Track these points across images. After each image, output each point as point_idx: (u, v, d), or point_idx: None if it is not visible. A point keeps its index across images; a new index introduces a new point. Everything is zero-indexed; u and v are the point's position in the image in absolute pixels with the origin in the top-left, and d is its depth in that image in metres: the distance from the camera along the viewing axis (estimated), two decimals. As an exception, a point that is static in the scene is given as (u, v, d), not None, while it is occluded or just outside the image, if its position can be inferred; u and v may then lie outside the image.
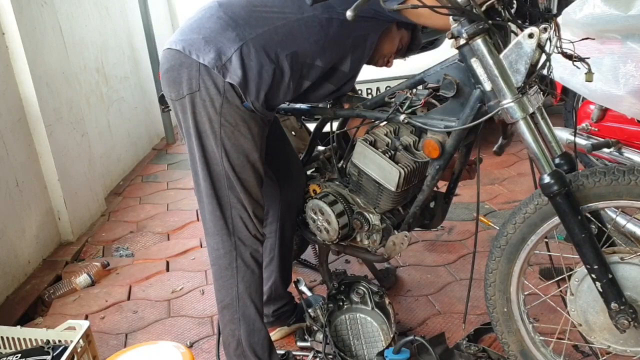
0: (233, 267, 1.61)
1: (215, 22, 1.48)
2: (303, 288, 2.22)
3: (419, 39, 1.73)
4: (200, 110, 1.49)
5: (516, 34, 1.29)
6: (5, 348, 1.73)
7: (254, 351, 1.67)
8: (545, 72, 1.35)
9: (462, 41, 1.30)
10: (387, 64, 1.73)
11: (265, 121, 1.59)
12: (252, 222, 1.60)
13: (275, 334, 1.99)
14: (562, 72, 2.13)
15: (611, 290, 1.29)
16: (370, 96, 3.14)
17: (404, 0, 1.40)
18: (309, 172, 2.04)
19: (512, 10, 1.37)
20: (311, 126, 2.02)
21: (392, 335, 1.75)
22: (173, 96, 1.52)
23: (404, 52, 1.74)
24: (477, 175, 1.65)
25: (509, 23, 1.35)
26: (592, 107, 2.55)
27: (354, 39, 1.58)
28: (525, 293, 1.52)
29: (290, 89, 1.55)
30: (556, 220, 1.35)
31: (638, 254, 1.30)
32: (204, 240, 2.20)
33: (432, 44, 3.30)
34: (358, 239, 1.82)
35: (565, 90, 2.76)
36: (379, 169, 1.59)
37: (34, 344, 1.68)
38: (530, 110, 1.31)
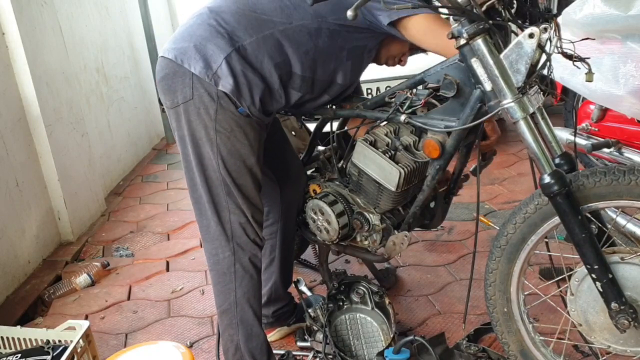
0: (231, 272, 1.61)
1: (205, 30, 1.48)
2: (303, 288, 2.22)
3: None
4: (194, 118, 1.49)
5: (516, 34, 1.29)
6: (5, 348, 1.73)
7: (253, 356, 1.67)
8: (545, 72, 1.35)
9: (462, 41, 1.30)
10: (400, 62, 1.70)
11: (262, 125, 1.58)
12: (252, 227, 1.60)
13: (275, 334, 1.99)
14: (562, 72, 2.13)
15: (611, 290, 1.29)
16: (370, 96, 3.13)
17: (400, 18, 1.41)
18: (309, 172, 2.04)
19: (513, 10, 1.37)
20: (311, 126, 2.02)
21: (392, 335, 1.75)
22: (168, 104, 1.54)
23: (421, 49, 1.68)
24: (477, 175, 1.65)
25: (509, 23, 1.35)
26: (592, 107, 2.55)
27: (349, 51, 1.56)
28: (525, 293, 1.52)
29: (282, 98, 1.55)
30: (556, 220, 1.35)
31: (638, 254, 1.30)
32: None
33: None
34: (358, 239, 1.82)
35: (565, 90, 2.77)
36: (379, 169, 1.59)
37: (34, 344, 1.68)
38: (531, 110, 1.30)
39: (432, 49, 1.48)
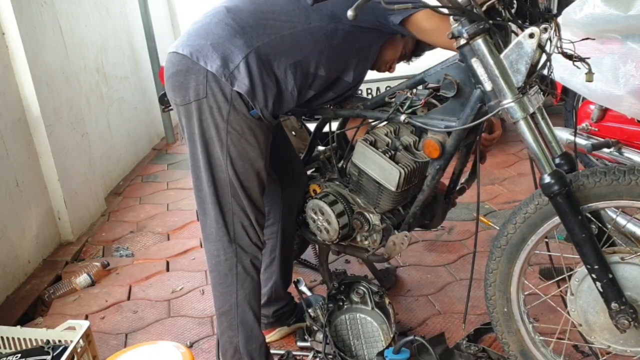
0: (233, 274, 1.61)
1: (223, 29, 1.47)
2: (303, 288, 2.22)
3: (423, 45, 1.73)
4: (206, 117, 1.49)
5: (516, 34, 1.29)
6: (5, 348, 1.73)
7: (252, 358, 1.67)
8: (545, 72, 1.35)
9: (462, 41, 1.31)
10: (390, 69, 1.75)
11: (270, 128, 1.59)
12: (254, 230, 1.60)
13: (275, 334, 1.99)
14: (563, 72, 2.13)
15: (611, 290, 1.29)
16: (370, 96, 3.14)
17: (410, 15, 1.42)
18: (309, 172, 2.04)
19: (513, 10, 1.37)
20: (311, 126, 2.02)
21: (392, 335, 1.75)
22: (178, 101, 1.52)
23: (408, 57, 1.77)
24: (477, 175, 1.65)
25: (510, 23, 1.35)
26: (592, 107, 2.55)
27: (357, 50, 1.59)
28: (526, 293, 1.52)
29: (294, 98, 1.56)
30: (556, 220, 1.35)
31: (638, 254, 1.30)
32: (204, 240, 2.20)
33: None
34: (358, 239, 1.82)
35: (565, 90, 2.76)
36: (379, 169, 1.59)
37: (34, 344, 1.68)
38: (531, 110, 1.31)
39: (441, 43, 1.48)
